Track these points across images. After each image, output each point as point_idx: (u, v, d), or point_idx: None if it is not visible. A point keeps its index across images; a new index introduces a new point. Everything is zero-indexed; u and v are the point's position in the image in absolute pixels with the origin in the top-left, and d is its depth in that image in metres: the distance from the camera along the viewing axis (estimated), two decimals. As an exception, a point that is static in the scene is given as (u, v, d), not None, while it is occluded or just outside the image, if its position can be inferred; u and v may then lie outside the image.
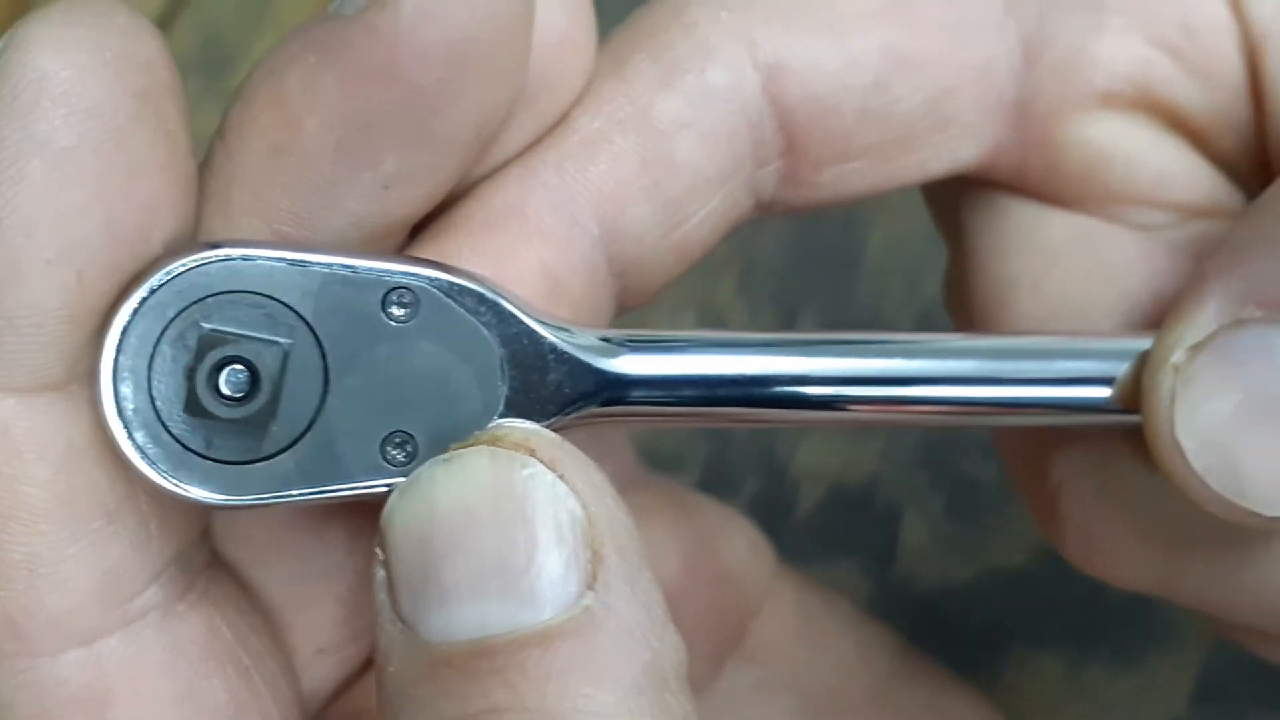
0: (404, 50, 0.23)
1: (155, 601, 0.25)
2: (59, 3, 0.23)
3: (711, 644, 0.32)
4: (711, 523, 0.33)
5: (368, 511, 0.24)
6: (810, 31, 0.27)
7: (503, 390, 0.25)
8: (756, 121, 0.28)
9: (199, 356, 0.24)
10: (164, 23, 0.48)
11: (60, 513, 0.24)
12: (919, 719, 0.34)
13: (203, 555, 0.26)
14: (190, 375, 0.24)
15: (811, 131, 0.28)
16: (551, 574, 0.23)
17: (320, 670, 0.28)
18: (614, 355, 0.25)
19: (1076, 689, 0.41)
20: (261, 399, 0.24)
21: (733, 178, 0.28)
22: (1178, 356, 0.25)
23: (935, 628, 0.35)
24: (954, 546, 0.42)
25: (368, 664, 0.29)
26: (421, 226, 0.27)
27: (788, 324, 0.45)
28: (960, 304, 0.31)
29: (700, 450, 0.33)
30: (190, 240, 0.25)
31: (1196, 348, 0.25)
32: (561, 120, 0.27)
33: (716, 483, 0.43)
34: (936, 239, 0.33)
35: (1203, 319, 0.25)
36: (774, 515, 0.42)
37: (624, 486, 0.31)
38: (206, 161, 0.25)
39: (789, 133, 0.28)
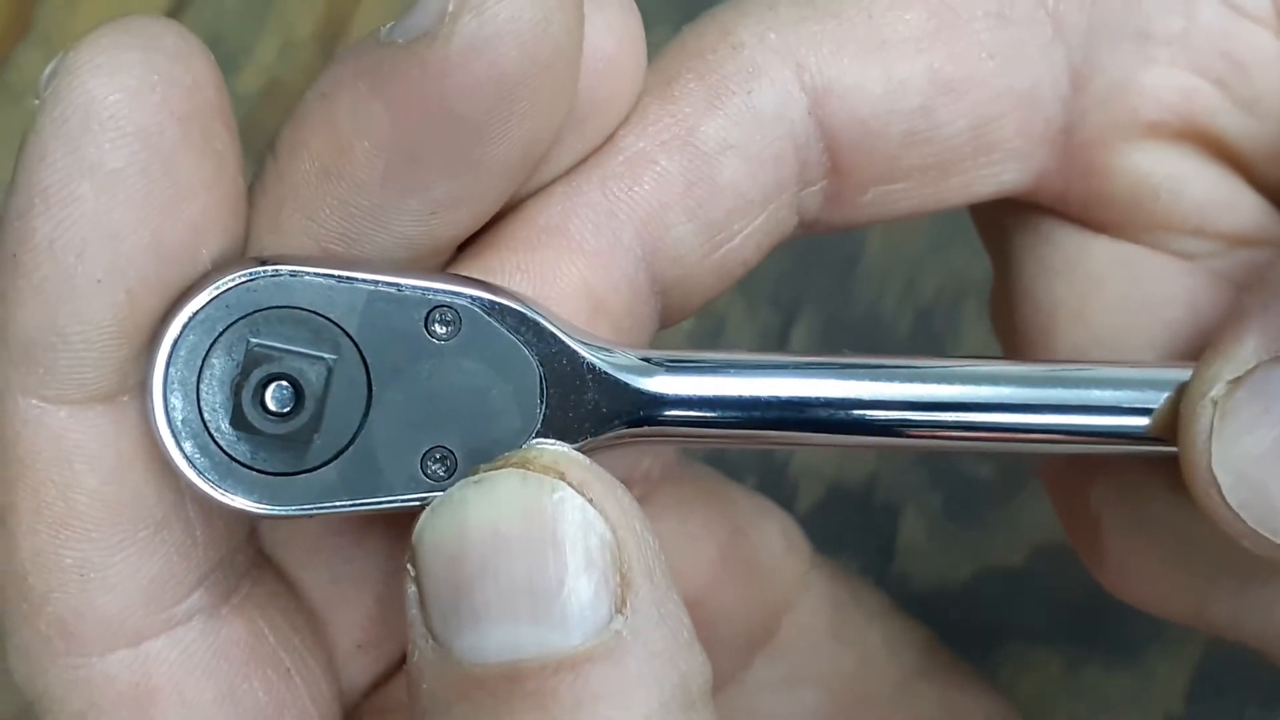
0: (452, 84, 0.24)
1: (200, 605, 0.26)
2: (109, 25, 0.24)
3: (743, 637, 0.33)
4: (747, 516, 0.33)
5: (406, 518, 0.25)
6: (857, 54, 0.27)
7: (541, 409, 0.25)
8: (802, 143, 0.28)
9: (245, 373, 0.24)
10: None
11: (110, 520, 0.25)
12: (935, 715, 0.34)
13: (247, 558, 0.27)
14: (237, 391, 0.24)
15: (856, 154, 0.28)
16: (581, 598, 0.23)
17: (358, 665, 0.29)
18: (650, 375, 0.25)
19: (1074, 686, 0.41)
20: (305, 415, 0.24)
21: (776, 199, 0.28)
22: (1216, 390, 0.25)
23: (933, 626, 0.35)
24: (952, 545, 0.42)
25: (402, 659, 0.29)
26: (468, 242, 0.27)
27: (787, 323, 0.45)
28: (1005, 324, 0.31)
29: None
30: (239, 256, 0.25)
31: (1235, 382, 0.25)
32: (608, 140, 0.27)
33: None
34: (935, 240, 0.33)
35: (1242, 354, 0.25)
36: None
37: (663, 477, 0.31)
38: (259, 179, 0.26)
39: (834, 154, 0.28)
